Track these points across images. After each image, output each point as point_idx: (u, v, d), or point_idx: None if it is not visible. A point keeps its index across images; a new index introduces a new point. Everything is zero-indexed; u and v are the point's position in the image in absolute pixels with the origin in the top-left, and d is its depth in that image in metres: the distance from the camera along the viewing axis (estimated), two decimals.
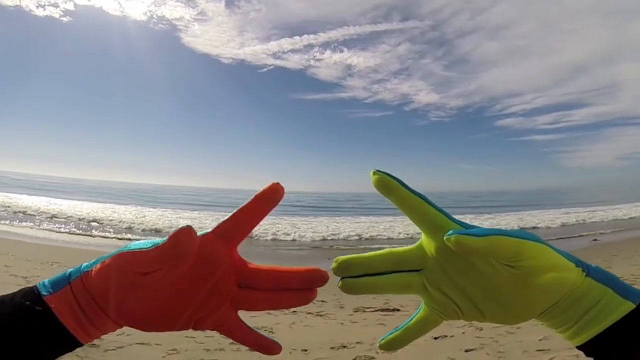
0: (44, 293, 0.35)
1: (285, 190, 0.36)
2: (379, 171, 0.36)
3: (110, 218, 13.61)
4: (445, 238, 0.33)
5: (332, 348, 3.07)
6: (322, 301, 4.44)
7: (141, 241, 0.35)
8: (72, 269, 0.37)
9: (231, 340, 3.02)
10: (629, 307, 0.32)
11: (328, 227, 13.82)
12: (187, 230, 0.32)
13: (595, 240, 10.06)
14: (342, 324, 3.72)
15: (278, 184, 0.36)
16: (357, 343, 3.16)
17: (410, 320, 0.40)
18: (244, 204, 0.37)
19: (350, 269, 0.38)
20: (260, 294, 0.38)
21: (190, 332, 3.16)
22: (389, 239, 10.93)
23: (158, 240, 0.34)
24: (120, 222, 12.69)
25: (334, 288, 0.40)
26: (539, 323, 0.38)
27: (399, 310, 4.08)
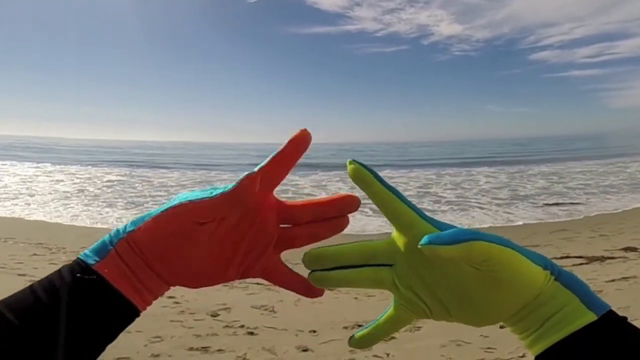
0: (91, 262, 0.38)
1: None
2: (354, 161, 0.42)
3: (74, 185, 13.61)
4: (419, 246, 0.37)
5: (344, 328, 3.11)
6: None
7: (194, 191, 0.40)
8: (109, 235, 0.40)
9: (225, 324, 3.07)
10: (590, 317, 0.36)
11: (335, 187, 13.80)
12: (253, 177, 0.39)
13: None
14: (356, 298, 3.77)
15: (305, 129, 0.42)
16: None
17: (381, 317, 0.45)
18: (279, 149, 0.42)
19: (320, 262, 0.44)
20: (297, 229, 0.45)
21: (175, 316, 3.21)
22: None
23: (213, 189, 0.40)
24: (83, 189, 12.68)
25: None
26: None
27: None
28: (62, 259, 5.20)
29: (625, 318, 0.37)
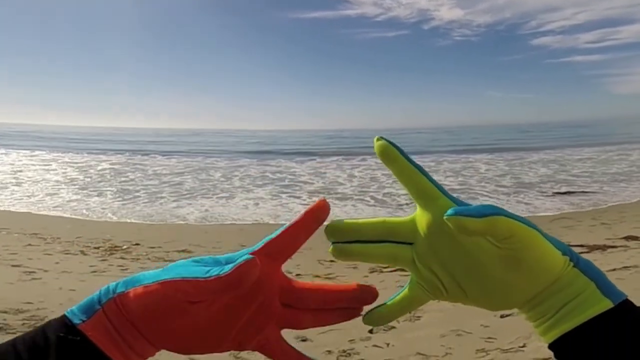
0: (77, 321, 0.37)
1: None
2: (382, 138, 0.42)
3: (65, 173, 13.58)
4: (445, 217, 0.37)
5: None
6: (331, 261, 4.51)
7: (190, 262, 0.40)
8: (98, 292, 0.39)
9: None
10: (607, 304, 0.36)
11: (341, 172, 13.81)
12: (254, 263, 0.37)
13: None
14: None
15: (324, 200, 0.42)
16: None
17: (397, 295, 0.45)
18: (292, 222, 0.41)
19: (342, 234, 0.44)
20: (303, 314, 0.44)
21: None
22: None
23: (211, 264, 0.39)
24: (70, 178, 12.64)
25: None
26: None
27: None
28: (57, 249, 5.23)
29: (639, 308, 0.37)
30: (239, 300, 0.40)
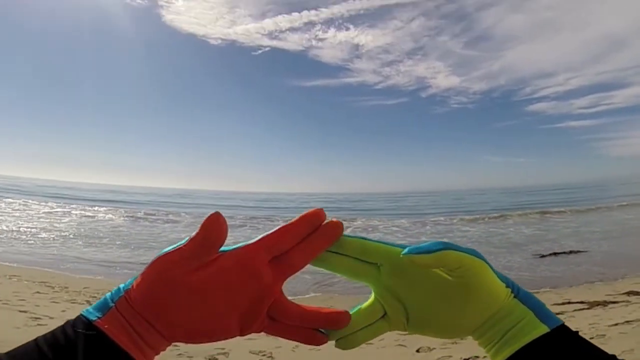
0: (93, 318, 0.39)
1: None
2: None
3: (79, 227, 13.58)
4: (401, 255, 0.42)
5: None
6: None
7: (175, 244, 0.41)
8: (110, 292, 0.41)
9: None
10: (543, 330, 0.40)
11: None
12: (215, 216, 0.40)
13: None
14: None
15: (321, 209, 0.43)
16: None
17: (359, 308, 0.47)
18: (289, 222, 0.43)
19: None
20: (291, 252, 0.43)
21: (173, 359, 3.07)
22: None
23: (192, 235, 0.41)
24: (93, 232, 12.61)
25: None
26: None
27: None
28: (65, 298, 5.11)
29: (577, 332, 0.40)
30: (236, 280, 0.41)
